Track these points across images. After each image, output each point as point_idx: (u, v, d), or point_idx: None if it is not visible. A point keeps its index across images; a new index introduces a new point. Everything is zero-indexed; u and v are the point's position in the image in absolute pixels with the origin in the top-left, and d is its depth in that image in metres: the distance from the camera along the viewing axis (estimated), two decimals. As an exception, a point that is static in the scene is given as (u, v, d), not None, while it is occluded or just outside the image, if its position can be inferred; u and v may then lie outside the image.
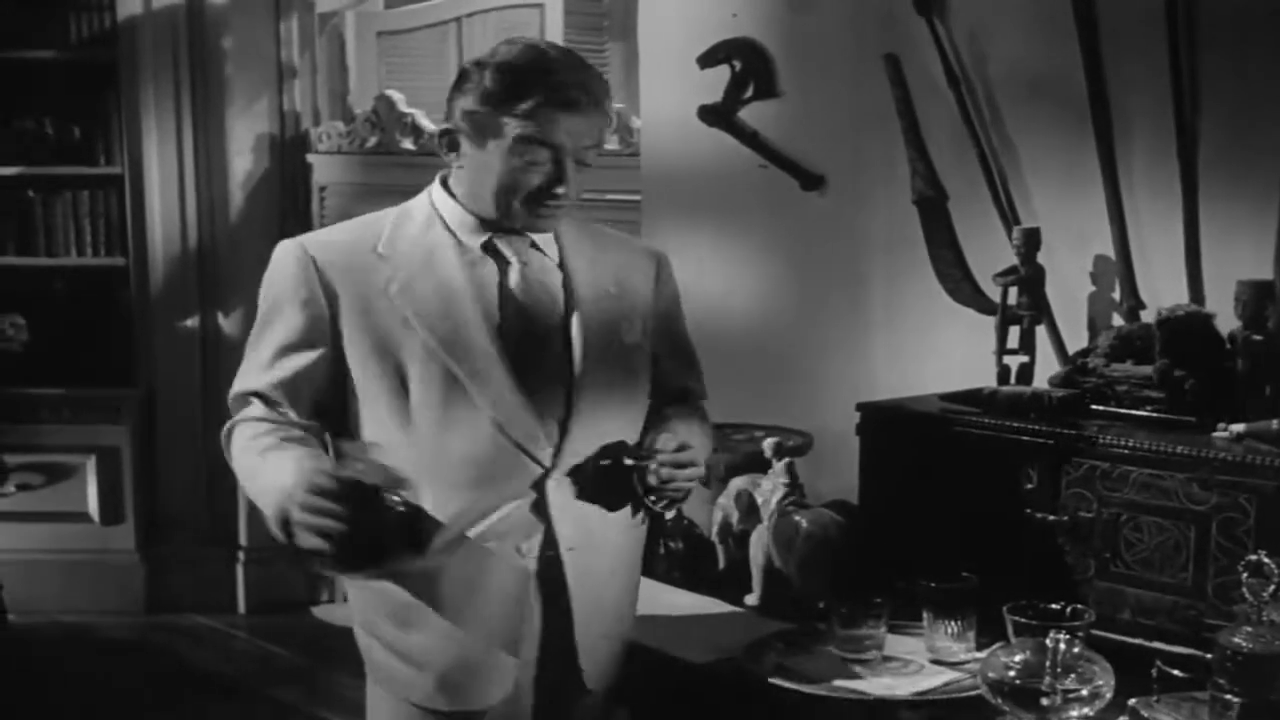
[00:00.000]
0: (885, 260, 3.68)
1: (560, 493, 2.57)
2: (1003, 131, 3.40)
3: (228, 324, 6.10)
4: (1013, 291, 3.16)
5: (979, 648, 2.63)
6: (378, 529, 2.29)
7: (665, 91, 4.12)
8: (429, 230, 2.60)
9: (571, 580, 2.59)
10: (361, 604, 2.66)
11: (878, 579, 2.72)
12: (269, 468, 2.46)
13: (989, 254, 3.34)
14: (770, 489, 3.13)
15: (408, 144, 5.74)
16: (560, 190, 2.53)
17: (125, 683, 5.40)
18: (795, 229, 3.87)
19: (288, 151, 6.13)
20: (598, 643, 2.65)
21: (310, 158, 6.08)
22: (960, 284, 3.44)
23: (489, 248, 2.59)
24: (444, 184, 2.64)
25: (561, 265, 2.64)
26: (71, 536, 6.08)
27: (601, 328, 2.63)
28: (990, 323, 3.20)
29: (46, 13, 5.97)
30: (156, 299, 6.06)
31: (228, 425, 2.64)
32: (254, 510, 6.19)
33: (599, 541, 2.62)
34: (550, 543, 2.58)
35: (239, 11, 5.99)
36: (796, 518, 3.06)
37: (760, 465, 3.21)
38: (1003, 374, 3.15)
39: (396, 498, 2.31)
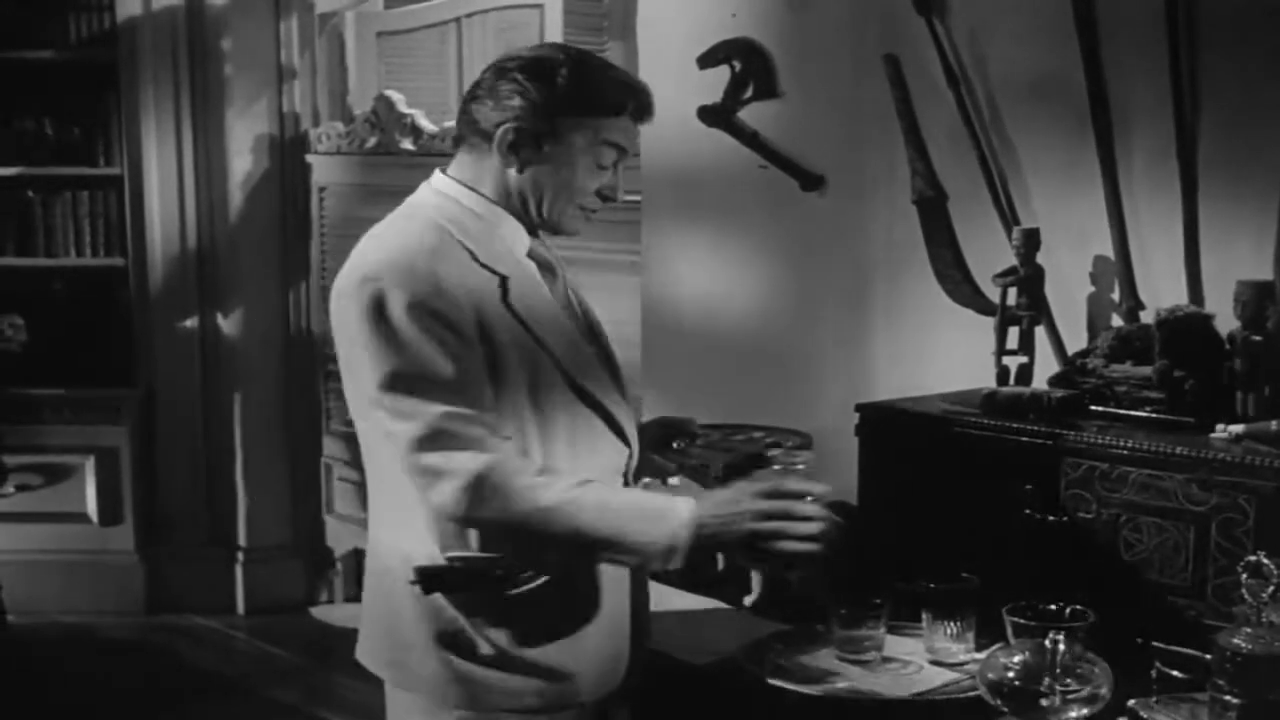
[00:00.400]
0: (885, 261, 3.68)
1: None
2: (1002, 132, 3.40)
3: (227, 324, 6.10)
4: (1012, 292, 3.16)
5: (978, 649, 2.62)
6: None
7: (665, 92, 4.05)
8: (496, 237, 2.49)
9: (639, 583, 2.60)
10: (444, 625, 2.47)
11: (877, 580, 2.72)
12: (627, 498, 2.45)
13: (988, 254, 3.34)
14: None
15: (407, 144, 5.72)
16: (616, 194, 2.54)
17: (124, 683, 5.40)
18: (795, 229, 3.87)
19: (287, 152, 6.12)
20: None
21: (310, 158, 6.07)
22: (960, 284, 3.43)
23: (533, 254, 2.53)
24: (466, 185, 2.51)
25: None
26: (70, 537, 6.07)
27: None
28: (989, 323, 3.20)
29: (46, 13, 5.97)
30: (156, 299, 6.05)
31: (479, 474, 2.33)
32: (253, 511, 6.25)
33: None
34: None
35: (239, 12, 5.98)
36: (796, 518, 3.05)
37: (760, 465, 3.20)
38: (1002, 374, 3.14)
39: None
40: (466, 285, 2.39)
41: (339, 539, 6.07)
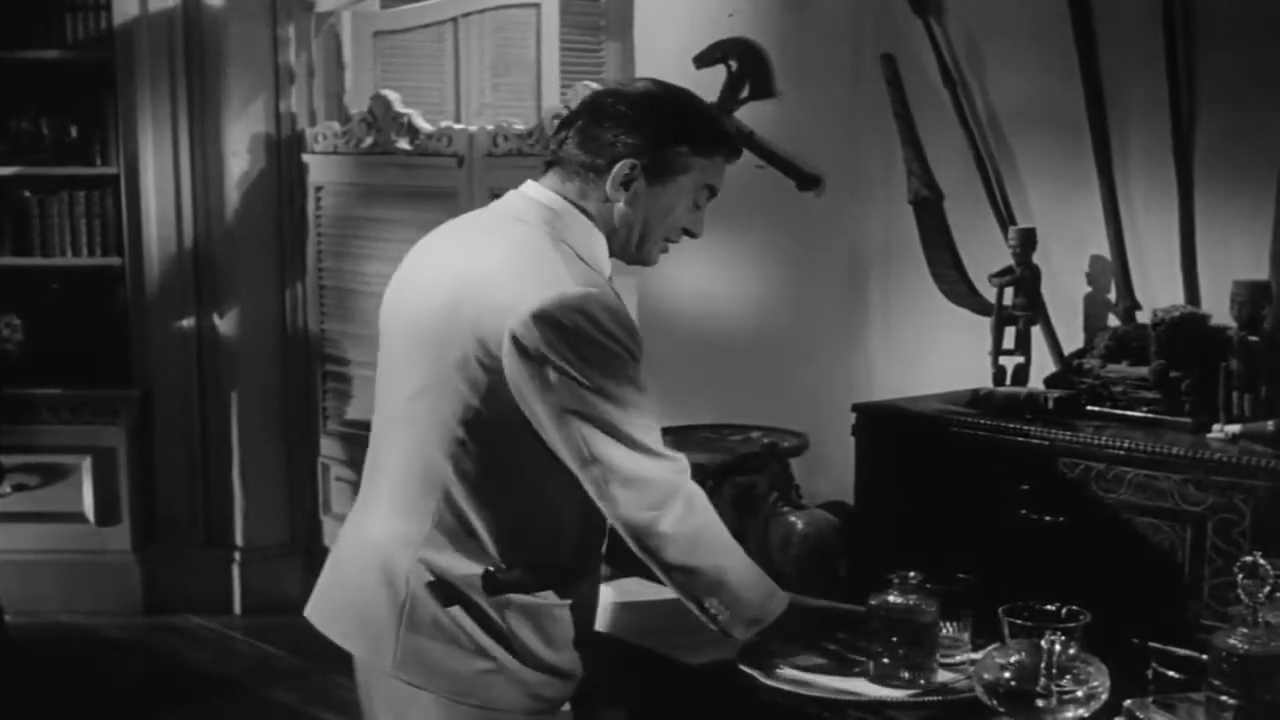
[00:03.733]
0: (882, 260, 3.68)
1: None
2: (999, 132, 3.40)
3: (224, 324, 6.10)
4: (1008, 292, 3.15)
5: (975, 649, 2.62)
6: None
7: (661, 92, 4.11)
8: (604, 256, 2.57)
9: None
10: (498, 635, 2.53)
11: (873, 580, 2.71)
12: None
13: (985, 254, 3.34)
14: (766, 490, 3.12)
15: (403, 144, 5.72)
16: (701, 230, 2.62)
17: (122, 683, 5.41)
18: (792, 229, 3.88)
19: (284, 152, 6.13)
20: None
21: (306, 158, 6.07)
22: (956, 284, 3.43)
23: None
24: (575, 205, 2.54)
25: None
26: (67, 537, 6.07)
27: None
28: (986, 323, 3.20)
29: (45, 13, 5.97)
30: (153, 299, 6.05)
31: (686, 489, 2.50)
32: (250, 511, 6.25)
33: None
34: None
35: (236, 13, 5.98)
36: (792, 518, 3.05)
37: (755, 466, 3.20)
38: (998, 375, 3.14)
39: None
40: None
41: (336, 538, 6.06)
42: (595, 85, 5.09)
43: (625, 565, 3.34)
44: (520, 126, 5.43)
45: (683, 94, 2.60)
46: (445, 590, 2.49)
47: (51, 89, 6.06)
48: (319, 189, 6.05)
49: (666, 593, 2.58)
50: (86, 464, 6.07)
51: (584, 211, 2.53)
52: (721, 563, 2.50)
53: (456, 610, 2.50)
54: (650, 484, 2.44)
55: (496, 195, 4.77)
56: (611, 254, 2.58)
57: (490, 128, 5.48)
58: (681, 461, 2.50)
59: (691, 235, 2.62)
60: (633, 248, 2.58)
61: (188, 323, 6.09)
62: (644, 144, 2.50)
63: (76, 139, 6.06)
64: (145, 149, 5.98)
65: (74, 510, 6.08)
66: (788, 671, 2.62)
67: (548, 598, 2.53)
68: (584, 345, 2.38)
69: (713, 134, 2.57)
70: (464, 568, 2.49)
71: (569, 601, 2.56)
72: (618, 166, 2.50)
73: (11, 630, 5.69)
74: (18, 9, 5.96)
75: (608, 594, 2.93)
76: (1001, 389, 3.05)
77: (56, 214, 6.06)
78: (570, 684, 2.58)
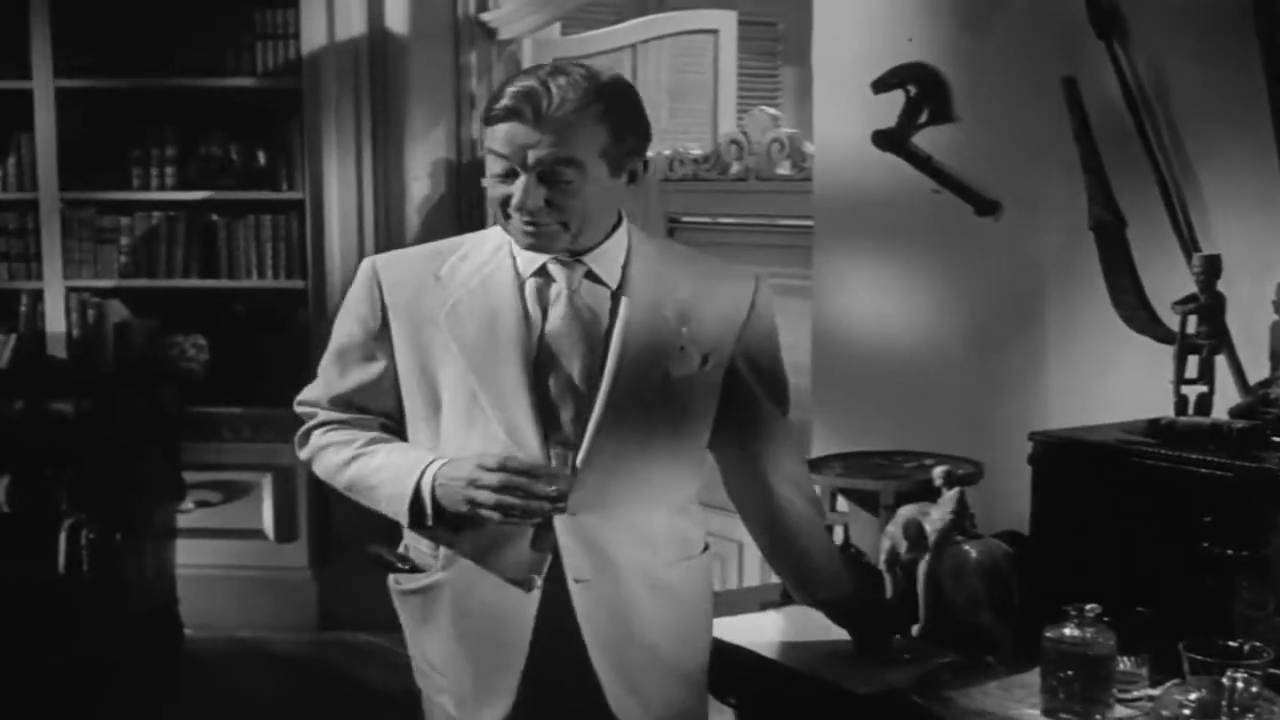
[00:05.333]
0: (1059, 287, 3.62)
1: (569, 525, 2.58)
2: (1183, 157, 3.32)
3: (403, 346, 6.18)
4: (1192, 320, 3.08)
5: (1153, 685, 2.57)
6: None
7: (839, 116, 4.10)
8: (495, 256, 2.66)
9: (581, 612, 2.61)
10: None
11: (1048, 612, 2.66)
12: (392, 457, 2.65)
13: (1167, 281, 3.27)
14: (939, 518, 3.08)
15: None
16: (513, 205, 2.54)
17: (296, 699, 5.49)
18: (968, 254, 3.83)
19: (464, 176, 6.21)
20: (639, 676, 2.65)
21: (485, 183, 6.13)
22: (1137, 311, 3.36)
23: (542, 273, 2.62)
24: None
25: (614, 293, 2.63)
26: (247, 553, 6.19)
27: (643, 360, 2.61)
28: (1167, 351, 3.13)
29: (236, 42, 6.11)
30: (334, 321, 6.14)
31: (304, 429, 2.82)
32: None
33: (623, 575, 2.62)
34: (556, 574, 2.60)
35: (419, 41, 6.09)
36: (965, 548, 3.01)
37: (930, 494, 3.17)
38: (1180, 404, 3.07)
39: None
40: (411, 286, 2.72)
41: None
42: (772, 111, 5.09)
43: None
44: (697, 151, 5.44)
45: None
46: None
47: (241, 116, 6.20)
48: (501, 212, 6.11)
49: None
50: (267, 481, 6.19)
51: None
52: None
53: None
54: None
55: (672, 220, 4.82)
56: None
57: (667, 153, 5.50)
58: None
59: (517, 211, 2.55)
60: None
61: (368, 345, 6.17)
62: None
63: (264, 164, 6.20)
64: (329, 174, 6.09)
65: (254, 527, 6.20)
66: (966, 705, 2.58)
67: None
68: None
69: (487, 103, 2.57)
70: None
71: None
72: None
73: (191, 644, 5.83)
74: (212, 40, 6.11)
75: (776, 620, 2.92)
76: (1184, 418, 2.97)
77: (242, 237, 6.20)
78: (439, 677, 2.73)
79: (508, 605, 2.62)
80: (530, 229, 2.55)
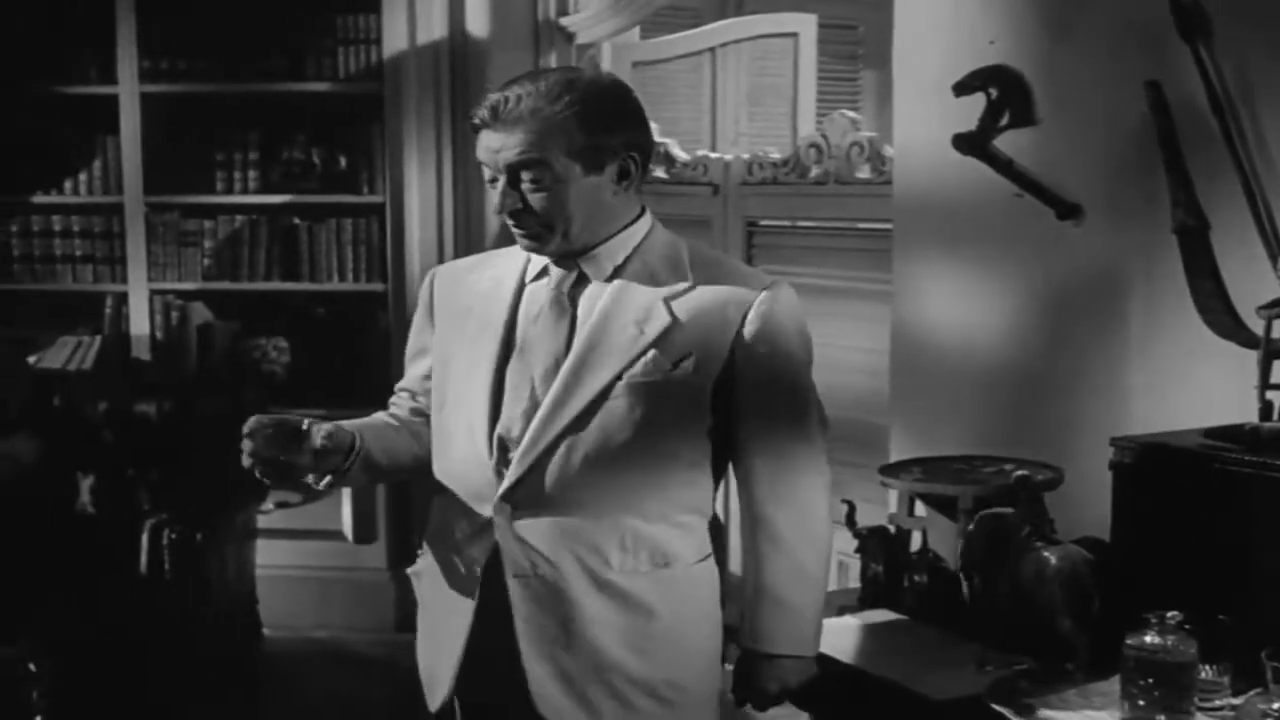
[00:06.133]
0: (1142, 291, 3.59)
1: (506, 521, 2.61)
2: (1269, 159, 3.29)
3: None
4: (1277, 324, 3.05)
5: (1235, 693, 2.54)
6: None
7: (919, 119, 4.09)
8: (516, 260, 2.73)
9: (517, 607, 2.62)
10: None
11: (1129, 619, 2.64)
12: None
13: (1252, 286, 3.23)
14: (1019, 523, 3.06)
15: (660, 173, 5.77)
16: (494, 209, 2.65)
17: (373, 699, 5.51)
18: (1049, 258, 3.80)
19: (542, 180, 6.21)
20: (583, 679, 2.62)
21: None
22: (1221, 316, 3.33)
23: (544, 275, 2.68)
24: None
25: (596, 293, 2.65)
26: (326, 554, 6.21)
27: (594, 361, 2.59)
28: (1252, 356, 3.10)
29: (318, 47, 6.15)
30: (414, 324, 6.18)
31: None
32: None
33: (567, 576, 2.60)
34: (495, 567, 2.63)
35: (499, 45, 6.10)
36: (1045, 553, 2.98)
37: (1010, 499, 3.15)
38: (1265, 410, 3.04)
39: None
40: (452, 290, 2.84)
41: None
42: (851, 114, 5.08)
43: (871, 599, 3.33)
44: (776, 155, 5.43)
45: None
46: None
47: (322, 120, 6.24)
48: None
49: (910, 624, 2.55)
50: (347, 482, 6.21)
51: None
52: None
53: None
54: None
55: (751, 224, 4.84)
56: None
57: (746, 156, 5.49)
58: None
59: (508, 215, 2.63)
60: None
61: (447, 347, 6.20)
62: None
63: (345, 168, 6.22)
64: (410, 177, 6.12)
65: (333, 528, 6.24)
66: (1045, 712, 2.56)
67: None
68: None
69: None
70: None
71: None
72: None
73: (269, 643, 5.87)
74: (294, 44, 6.16)
75: (852, 625, 2.91)
76: (1269, 424, 2.94)
77: (324, 240, 6.23)
78: None
79: (454, 595, 2.72)
80: (519, 231, 2.63)
